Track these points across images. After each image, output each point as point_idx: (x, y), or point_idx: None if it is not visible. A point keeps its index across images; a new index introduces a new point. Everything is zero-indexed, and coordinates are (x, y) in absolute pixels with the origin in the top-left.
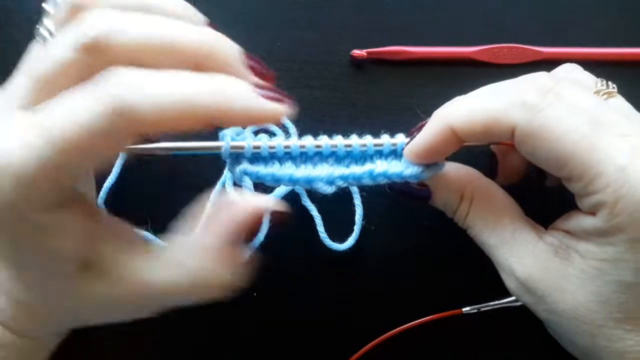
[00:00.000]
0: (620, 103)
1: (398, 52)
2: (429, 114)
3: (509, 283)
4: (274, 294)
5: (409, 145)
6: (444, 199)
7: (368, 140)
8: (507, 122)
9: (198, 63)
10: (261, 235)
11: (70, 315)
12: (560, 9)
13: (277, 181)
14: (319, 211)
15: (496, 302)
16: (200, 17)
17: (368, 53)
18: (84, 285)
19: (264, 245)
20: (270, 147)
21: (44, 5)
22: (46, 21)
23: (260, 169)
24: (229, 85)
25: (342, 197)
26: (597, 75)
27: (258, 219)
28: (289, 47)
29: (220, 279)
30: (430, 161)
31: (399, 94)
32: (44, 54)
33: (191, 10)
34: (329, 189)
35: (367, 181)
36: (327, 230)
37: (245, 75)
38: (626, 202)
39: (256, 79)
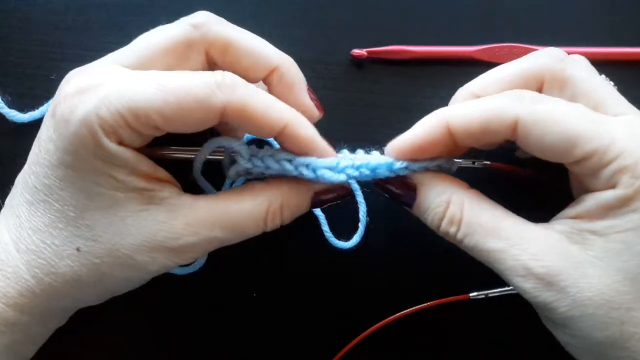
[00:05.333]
0: None
1: (398, 52)
2: (428, 113)
3: (525, 284)
4: (275, 293)
5: (396, 140)
6: (429, 201)
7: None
8: (508, 114)
9: (272, 71)
10: None
11: (120, 261)
12: (560, 9)
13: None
14: (321, 210)
15: (504, 288)
16: None
17: (368, 52)
18: (148, 215)
19: (266, 246)
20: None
21: None
22: None
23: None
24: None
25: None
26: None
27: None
28: (289, 47)
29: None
30: (413, 157)
31: (399, 94)
32: (157, 30)
33: None
34: (338, 177)
35: (382, 172)
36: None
37: (304, 95)
38: None
39: (310, 102)
